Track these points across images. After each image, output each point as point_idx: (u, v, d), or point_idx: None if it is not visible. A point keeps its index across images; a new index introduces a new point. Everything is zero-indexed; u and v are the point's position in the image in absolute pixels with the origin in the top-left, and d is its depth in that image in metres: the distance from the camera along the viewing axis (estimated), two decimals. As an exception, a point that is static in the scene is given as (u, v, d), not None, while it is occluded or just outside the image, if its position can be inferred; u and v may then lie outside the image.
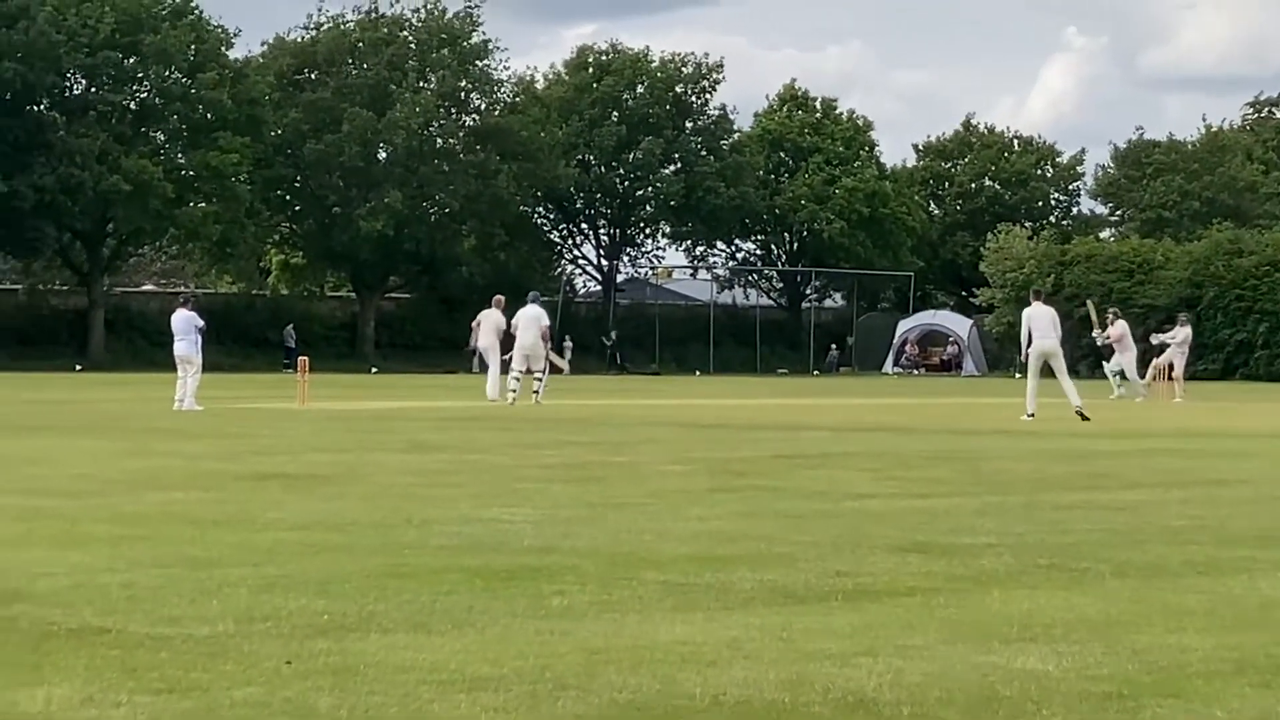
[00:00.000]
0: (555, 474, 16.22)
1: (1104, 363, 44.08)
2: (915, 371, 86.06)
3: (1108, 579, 9.27)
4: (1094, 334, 42.38)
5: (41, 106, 75.71)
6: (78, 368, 68.33)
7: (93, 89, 77.26)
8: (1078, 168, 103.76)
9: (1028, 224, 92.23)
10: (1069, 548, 10.56)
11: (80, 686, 6.07)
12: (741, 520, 11.97)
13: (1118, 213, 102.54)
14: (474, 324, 38.42)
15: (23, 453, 18.75)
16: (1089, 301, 43.24)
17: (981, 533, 11.30)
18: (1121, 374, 42.51)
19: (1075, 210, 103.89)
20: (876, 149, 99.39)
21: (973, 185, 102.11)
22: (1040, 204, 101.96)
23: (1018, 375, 37.82)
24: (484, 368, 39.97)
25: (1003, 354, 79.28)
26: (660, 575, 9.04)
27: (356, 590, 8.38)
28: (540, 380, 35.56)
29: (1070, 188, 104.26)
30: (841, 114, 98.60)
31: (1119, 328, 42.68)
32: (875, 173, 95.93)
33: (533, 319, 35.41)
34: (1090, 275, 76.87)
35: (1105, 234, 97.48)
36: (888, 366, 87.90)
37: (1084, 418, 28.85)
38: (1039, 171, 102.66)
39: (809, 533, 11.17)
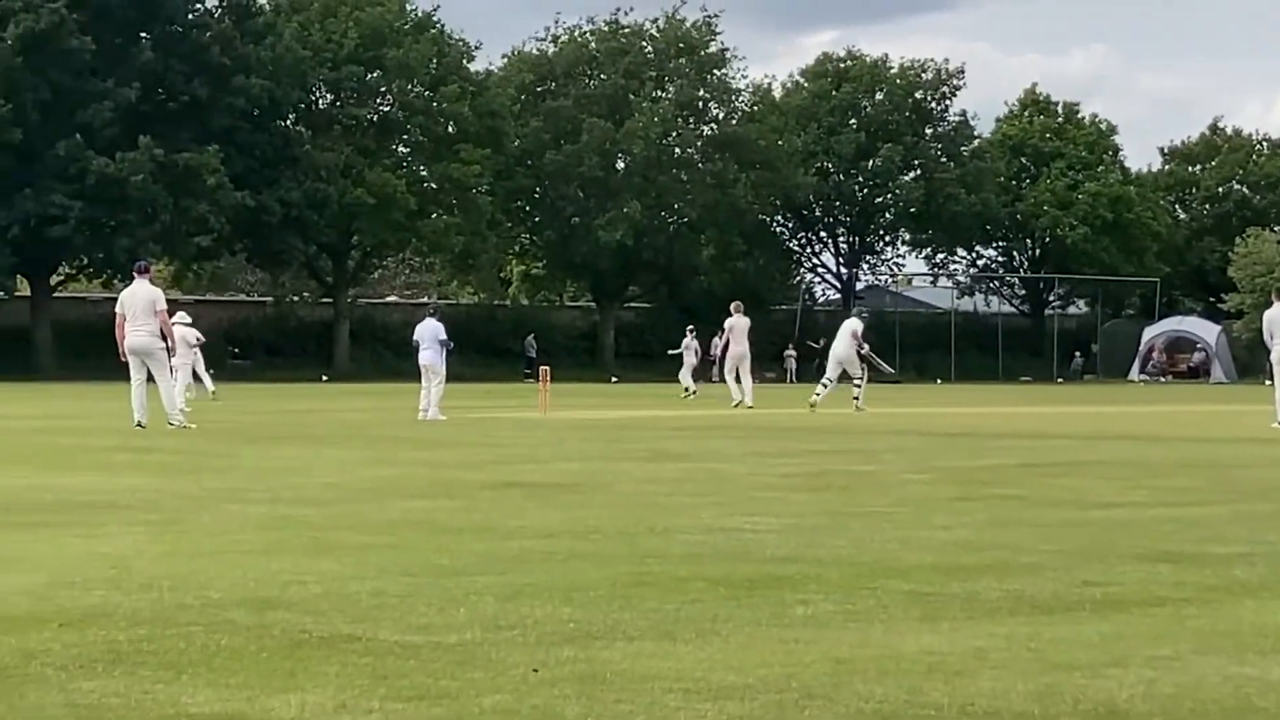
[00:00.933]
0: (797, 483, 16.17)
1: None
2: (1162, 379, 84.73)
3: (1366, 590, 9.04)
4: None
5: (288, 122, 77.22)
6: (323, 378, 69.42)
7: (337, 103, 78.74)
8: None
9: (1277, 228, 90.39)
10: (1325, 558, 10.32)
11: (333, 693, 6.16)
12: (987, 529, 11.84)
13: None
14: (722, 335, 40.05)
15: (272, 462, 19.09)
16: None
17: (1233, 542, 11.08)
18: None
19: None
20: (1120, 153, 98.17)
21: (1220, 189, 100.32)
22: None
23: (1267, 382, 37.02)
24: (726, 376, 40.34)
25: (1253, 360, 77.72)
26: (905, 584, 8.98)
27: (601, 598, 8.41)
28: (859, 387, 37.11)
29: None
30: (1084, 118, 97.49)
31: None
32: (1119, 177, 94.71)
33: (846, 330, 37.60)
34: (1343, 280, 75.14)
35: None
36: (1133, 373, 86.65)
37: None
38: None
39: (1055, 542, 11.02)
